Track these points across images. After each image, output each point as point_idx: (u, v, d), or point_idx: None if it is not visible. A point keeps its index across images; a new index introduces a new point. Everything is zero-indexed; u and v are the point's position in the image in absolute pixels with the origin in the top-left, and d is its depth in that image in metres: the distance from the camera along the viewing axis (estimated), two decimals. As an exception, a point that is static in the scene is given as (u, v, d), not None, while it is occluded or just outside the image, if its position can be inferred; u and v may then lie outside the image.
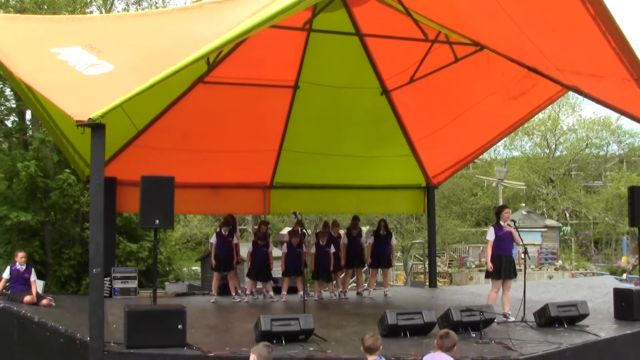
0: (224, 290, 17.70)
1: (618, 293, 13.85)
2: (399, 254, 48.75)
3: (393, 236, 18.81)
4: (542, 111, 28.05)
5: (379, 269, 18.96)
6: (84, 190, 24.95)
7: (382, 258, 18.27)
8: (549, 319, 12.47)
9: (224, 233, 16.96)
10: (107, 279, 16.70)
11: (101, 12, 31.86)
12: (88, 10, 31.70)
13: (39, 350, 11.71)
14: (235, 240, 17.12)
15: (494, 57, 14.85)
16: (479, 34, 14.34)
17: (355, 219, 18.73)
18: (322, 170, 19.76)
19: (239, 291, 17.42)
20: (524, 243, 13.80)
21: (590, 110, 75.25)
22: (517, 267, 14.27)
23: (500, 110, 17.70)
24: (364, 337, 7.63)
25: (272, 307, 16.15)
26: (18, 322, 12.36)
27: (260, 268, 17.10)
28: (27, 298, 13.65)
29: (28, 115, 28.79)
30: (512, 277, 13.65)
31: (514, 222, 15.19)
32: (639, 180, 51.85)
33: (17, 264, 14.26)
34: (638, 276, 34.88)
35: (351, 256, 18.03)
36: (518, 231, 13.73)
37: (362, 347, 7.61)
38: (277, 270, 18.16)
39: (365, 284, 19.51)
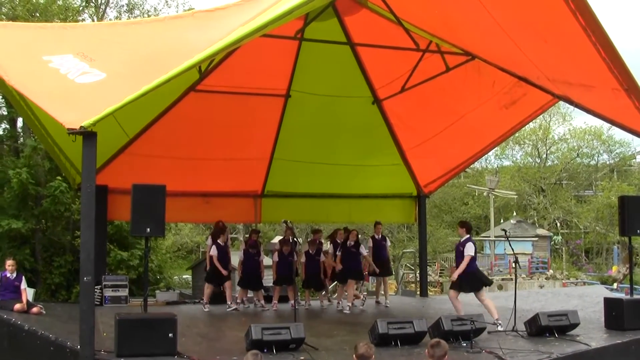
0: (215, 299, 17.71)
1: (609, 302, 13.85)
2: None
3: (362, 246, 17.38)
4: (533, 121, 28.11)
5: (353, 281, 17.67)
6: (75, 198, 24.95)
7: (352, 270, 17.04)
8: (539, 328, 12.48)
9: (221, 243, 16.87)
10: (98, 287, 16.65)
11: (93, 20, 31.91)
12: (80, 18, 31.78)
13: (29, 359, 11.67)
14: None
15: (485, 66, 14.89)
16: (470, 44, 14.39)
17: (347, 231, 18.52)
18: (313, 179, 19.77)
19: (229, 301, 17.44)
20: (515, 252, 13.81)
21: (581, 119, 75.64)
22: (510, 276, 14.29)
23: (491, 120, 17.73)
24: (357, 345, 7.60)
25: (263, 315, 16.13)
26: (8, 330, 12.35)
27: (251, 276, 17.06)
28: (17, 306, 13.63)
29: (19, 122, 28.83)
30: (469, 291, 13.84)
31: (505, 231, 15.26)
32: (630, 190, 52.06)
33: (7, 271, 14.22)
34: (629, 285, 34.94)
35: None
36: (507, 240, 13.79)
37: (354, 355, 7.58)
38: (268, 278, 18.12)
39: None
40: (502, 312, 13.69)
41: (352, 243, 17.04)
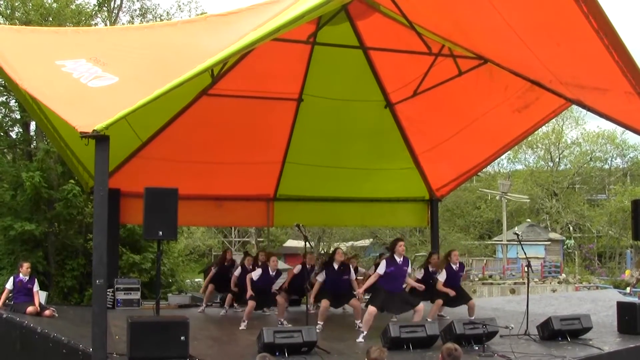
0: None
1: (621, 306, 13.81)
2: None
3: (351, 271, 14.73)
4: (546, 124, 28.06)
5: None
6: (88, 201, 25.03)
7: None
8: (552, 332, 12.46)
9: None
10: (110, 290, 16.69)
11: (106, 25, 32.02)
12: (93, 22, 31.89)
13: (42, 362, 11.72)
14: None
15: (497, 70, 14.89)
16: (482, 48, 14.38)
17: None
18: (325, 183, 19.77)
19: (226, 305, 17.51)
20: (527, 256, 13.75)
21: (594, 123, 75.43)
22: (522, 280, 14.29)
23: (504, 124, 17.70)
24: (370, 349, 7.59)
25: (275, 319, 16.09)
26: (21, 332, 12.39)
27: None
28: (30, 309, 13.68)
29: (32, 126, 28.96)
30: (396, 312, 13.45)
31: (517, 235, 15.20)
32: (643, 194, 51.83)
33: (21, 274, 14.27)
34: (642, 290, 34.84)
35: None
36: (520, 244, 13.65)
37: (366, 359, 7.57)
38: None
39: None
40: (514, 316, 13.66)
41: (338, 266, 14.41)
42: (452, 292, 14.69)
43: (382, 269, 12.92)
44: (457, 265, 15.15)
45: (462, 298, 15.17)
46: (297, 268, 16.44)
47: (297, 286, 16.36)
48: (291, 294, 16.88)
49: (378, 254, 18.77)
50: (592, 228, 60.12)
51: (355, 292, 14.36)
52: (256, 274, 14.82)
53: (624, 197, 53.66)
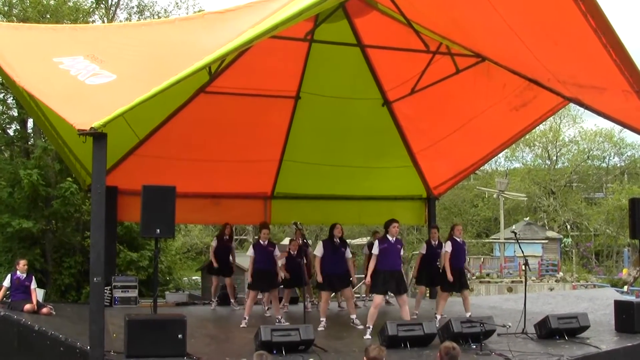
0: (224, 299, 17.78)
1: (619, 305, 13.82)
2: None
3: (348, 248, 14.55)
4: (543, 123, 28.03)
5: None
6: (85, 199, 25.00)
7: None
8: (549, 330, 12.46)
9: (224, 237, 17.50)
10: (108, 287, 16.68)
11: (103, 22, 31.95)
12: (90, 19, 31.81)
13: (39, 359, 11.70)
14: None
15: (495, 68, 14.87)
16: (480, 46, 14.37)
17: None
18: (323, 181, 19.74)
19: (232, 300, 17.52)
20: (525, 254, 13.75)
21: (592, 122, 75.52)
22: (519, 278, 14.29)
23: (501, 122, 17.71)
24: (369, 348, 7.58)
25: (273, 317, 16.09)
26: (18, 330, 12.39)
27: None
28: (28, 306, 13.67)
29: (30, 123, 28.88)
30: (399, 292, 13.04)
31: (515, 233, 15.20)
32: (640, 192, 51.86)
33: (18, 272, 14.28)
34: (639, 288, 34.85)
35: None
36: (517, 242, 13.66)
37: (365, 357, 7.56)
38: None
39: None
40: (512, 315, 13.66)
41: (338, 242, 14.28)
42: (450, 278, 14.56)
43: (375, 249, 12.99)
44: (461, 240, 15.09)
45: (460, 283, 15.04)
46: (282, 260, 16.35)
47: (292, 271, 16.23)
48: (292, 285, 16.97)
49: (372, 232, 18.73)
50: (590, 226, 60.11)
51: (352, 279, 14.62)
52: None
53: (621, 195, 53.60)
